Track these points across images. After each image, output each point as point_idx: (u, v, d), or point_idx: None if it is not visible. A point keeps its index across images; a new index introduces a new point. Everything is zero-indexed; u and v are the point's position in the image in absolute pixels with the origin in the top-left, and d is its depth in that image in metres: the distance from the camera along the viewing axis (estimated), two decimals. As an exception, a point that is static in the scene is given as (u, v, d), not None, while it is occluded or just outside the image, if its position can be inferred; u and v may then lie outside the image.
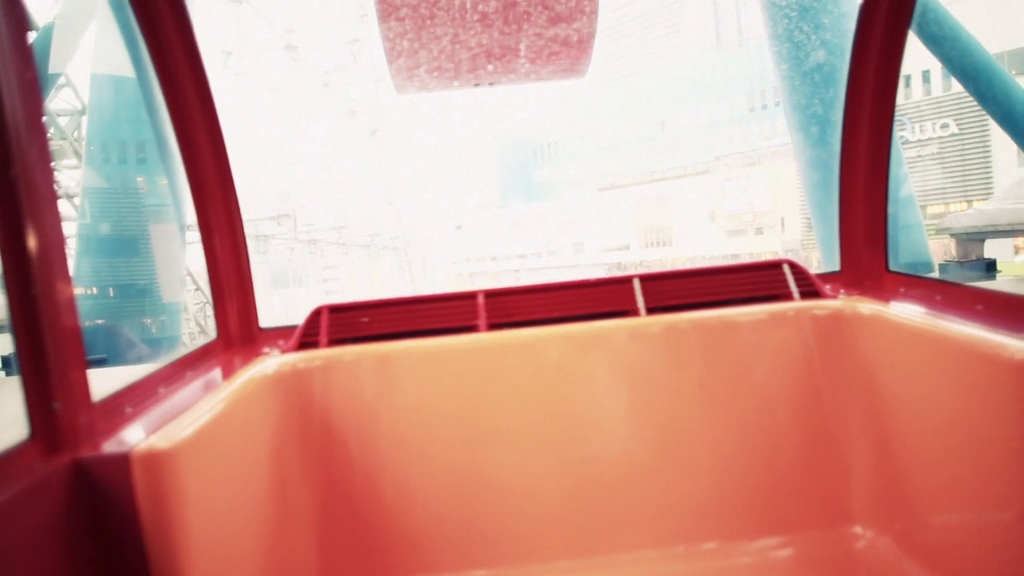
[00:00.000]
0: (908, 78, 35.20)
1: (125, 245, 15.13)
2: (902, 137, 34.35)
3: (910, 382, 1.75)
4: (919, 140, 34.21)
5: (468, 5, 1.87)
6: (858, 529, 1.98)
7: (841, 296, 2.09)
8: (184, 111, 1.97)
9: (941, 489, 1.63)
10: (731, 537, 2.03)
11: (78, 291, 15.23)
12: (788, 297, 2.12)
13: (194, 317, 20.92)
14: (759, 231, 46.07)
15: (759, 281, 2.16)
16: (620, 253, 54.00)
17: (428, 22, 1.91)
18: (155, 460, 1.24)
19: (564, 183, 66.50)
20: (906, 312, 1.80)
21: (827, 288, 2.15)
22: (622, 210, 55.15)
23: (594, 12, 1.96)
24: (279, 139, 40.43)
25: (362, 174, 43.99)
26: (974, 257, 16.52)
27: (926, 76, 33.95)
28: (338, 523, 1.98)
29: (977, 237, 17.28)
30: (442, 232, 64.17)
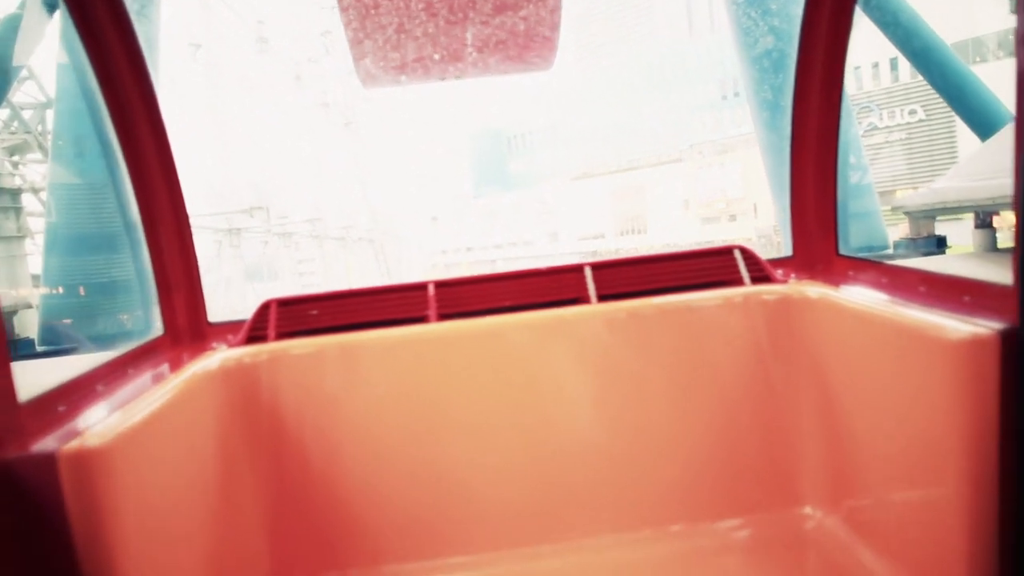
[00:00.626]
0: (876, 65, 35.78)
1: (97, 241, 14.98)
2: (871, 123, 34.91)
3: (856, 364, 1.78)
4: (887, 126, 34.73)
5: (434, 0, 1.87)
6: (808, 510, 2.02)
7: (791, 281, 2.11)
8: (122, 97, 1.91)
9: (885, 469, 1.68)
10: (695, 519, 2.06)
11: (46, 290, 15.20)
12: (739, 282, 2.14)
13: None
14: (732, 218, 46.48)
15: (710, 267, 2.18)
16: (596, 241, 54.19)
17: (391, 16, 1.91)
18: (84, 460, 1.20)
19: (538, 173, 66.51)
20: (852, 295, 1.83)
21: (779, 273, 2.18)
22: (597, 199, 55.32)
23: (557, 7, 1.97)
24: (252, 132, 39.98)
25: (336, 167, 43.65)
26: (926, 234, 17.38)
27: (894, 63, 34.45)
28: (290, 517, 1.96)
29: (928, 215, 18.05)
30: (418, 224, 63.95)
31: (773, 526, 2.03)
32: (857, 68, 34.38)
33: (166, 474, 1.47)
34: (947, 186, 17.45)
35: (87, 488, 1.20)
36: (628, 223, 54.43)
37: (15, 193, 21.91)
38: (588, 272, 2.15)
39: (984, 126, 18.54)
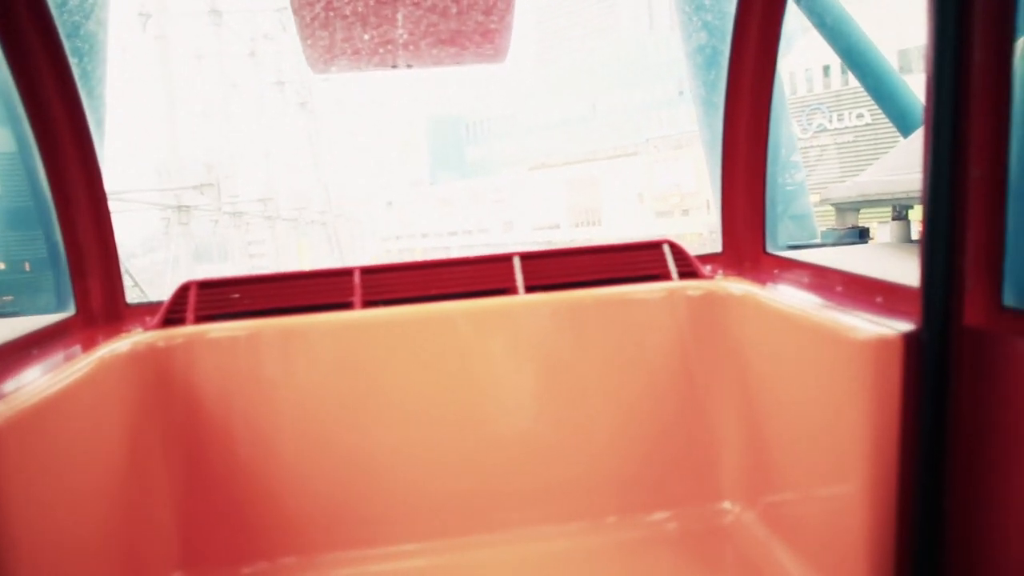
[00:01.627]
0: (827, 68, 36.75)
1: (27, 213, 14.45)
2: (820, 124, 35.84)
3: (774, 361, 1.81)
4: (835, 128, 35.66)
5: None
6: (727, 504, 2.05)
7: (718, 277, 2.13)
8: (27, 56, 1.80)
9: (798, 465, 1.72)
10: (628, 511, 2.07)
11: None
12: (667, 277, 2.15)
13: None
14: (685, 212, 47.22)
15: (639, 261, 2.18)
16: (550, 232, 54.48)
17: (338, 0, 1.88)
18: None
19: (496, 162, 66.50)
20: (774, 294, 1.86)
21: (707, 269, 2.19)
22: (553, 190, 55.56)
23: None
24: (203, 108, 39.02)
25: (290, 147, 42.95)
26: (850, 225, 18.87)
27: (844, 68, 35.39)
28: (203, 505, 1.91)
29: (853, 207, 19.45)
30: (372, 208, 63.32)
31: (697, 520, 2.05)
32: (808, 70, 35.24)
33: (64, 461, 1.41)
34: (869, 180, 18.95)
35: None
36: (583, 215, 54.84)
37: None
38: (517, 262, 2.13)
39: (906, 124, 20.16)
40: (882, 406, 1.38)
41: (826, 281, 1.87)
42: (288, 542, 1.95)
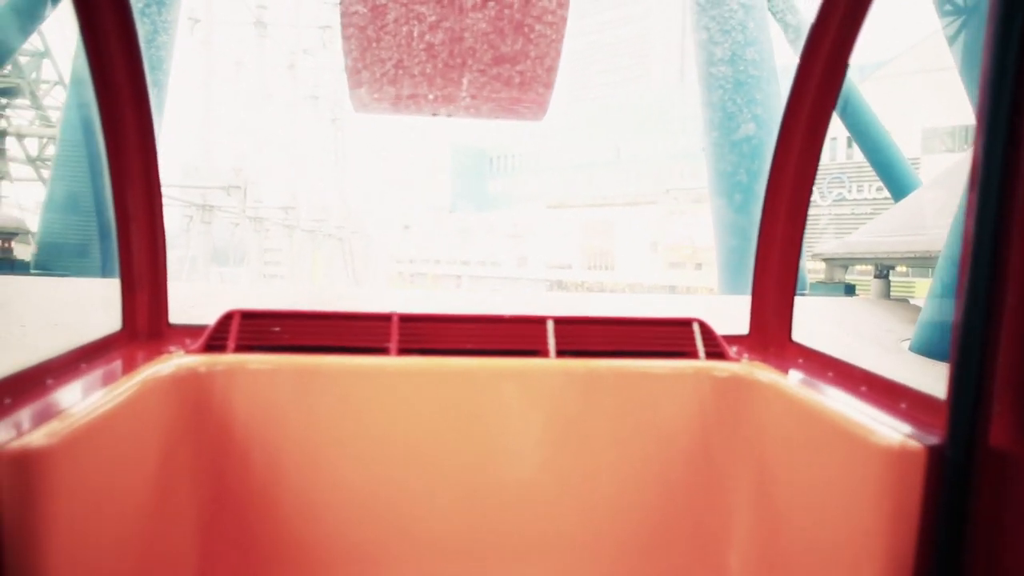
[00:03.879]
0: (850, 139, 37.49)
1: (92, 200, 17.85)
2: (839, 194, 36.30)
3: (793, 453, 1.83)
4: (854, 199, 36.02)
5: (437, 40, 1.91)
6: None
7: (744, 360, 2.17)
8: (113, 94, 1.91)
9: (809, 558, 1.72)
10: None
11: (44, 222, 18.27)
12: (694, 355, 2.19)
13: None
14: (698, 266, 47.43)
15: (668, 336, 2.23)
16: (563, 271, 54.77)
17: (391, 52, 1.94)
18: (26, 460, 1.17)
19: (516, 196, 67.12)
20: (797, 384, 1.89)
21: (732, 350, 2.24)
22: (569, 230, 55.97)
23: (554, 66, 2.04)
24: (238, 112, 39.75)
25: (316, 160, 43.59)
26: (837, 280, 20.56)
27: (868, 139, 35.86)
28: (224, 534, 1.94)
29: (841, 263, 21.00)
30: (389, 229, 63.88)
31: None
32: (833, 139, 35.71)
33: (105, 480, 1.44)
34: (858, 239, 20.66)
35: (25, 489, 1.17)
36: (596, 258, 55.18)
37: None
38: (550, 326, 2.18)
39: (899, 191, 22.09)
40: (900, 516, 1.39)
41: (850, 379, 1.88)
42: (295, 574, 1.99)
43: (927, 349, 11.78)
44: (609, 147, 63.02)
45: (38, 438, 1.20)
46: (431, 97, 2.14)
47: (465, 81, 2.05)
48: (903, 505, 1.39)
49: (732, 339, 2.33)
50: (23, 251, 20.04)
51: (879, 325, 14.71)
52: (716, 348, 2.22)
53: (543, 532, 2.09)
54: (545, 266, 56.29)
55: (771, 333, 2.30)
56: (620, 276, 51.78)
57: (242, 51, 40.14)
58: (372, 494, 2.02)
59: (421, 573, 2.03)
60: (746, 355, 2.23)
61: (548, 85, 2.10)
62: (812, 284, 20.98)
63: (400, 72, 2.01)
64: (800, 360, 2.16)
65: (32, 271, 17.80)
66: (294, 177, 40.78)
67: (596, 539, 2.11)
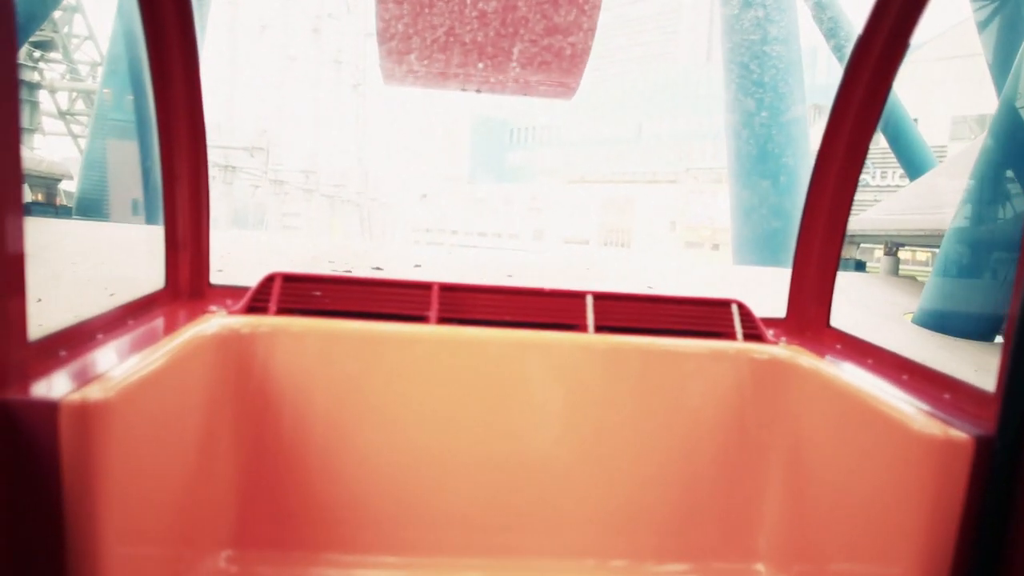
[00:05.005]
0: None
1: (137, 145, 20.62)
2: (863, 180, 36.02)
3: (831, 438, 1.82)
4: (878, 186, 35.68)
5: (468, 1, 1.91)
6: (760, 567, 2.06)
7: (781, 343, 2.17)
8: (165, 57, 1.97)
9: (842, 543, 1.72)
10: (640, 557, 2.09)
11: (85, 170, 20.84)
12: (731, 336, 2.19)
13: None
14: (716, 247, 47.29)
15: (707, 316, 2.23)
16: (579, 247, 54.74)
17: (426, 10, 1.94)
18: (85, 412, 1.21)
19: (535, 170, 66.91)
20: (838, 371, 1.87)
21: (769, 333, 2.23)
22: (587, 205, 55.89)
23: (591, 28, 2.03)
24: (261, 75, 39.76)
25: (337, 125, 43.60)
26: (848, 257, 21.22)
27: (895, 125, 35.43)
28: (259, 492, 1.98)
29: (852, 241, 21.66)
30: (407, 197, 63.95)
31: (723, 575, 2.08)
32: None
33: (154, 433, 1.49)
34: (870, 217, 21.22)
35: (84, 440, 1.21)
36: (613, 234, 55.12)
37: (32, 87, 22.24)
38: (589, 301, 2.19)
39: (914, 169, 22.30)
40: (941, 508, 1.37)
41: (891, 367, 1.86)
42: (322, 537, 2.02)
43: (928, 322, 12.38)
44: (631, 124, 62.54)
45: (96, 391, 1.24)
46: (462, 70, 2.14)
47: (504, 56, 2.05)
48: (945, 497, 1.37)
49: (768, 322, 2.33)
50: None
51: (885, 299, 15.19)
52: (754, 330, 2.21)
53: (569, 507, 2.10)
54: (562, 241, 56.27)
55: (809, 317, 2.30)
56: (636, 254, 51.69)
57: (267, 14, 39.99)
58: (407, 460, 2.05)
59: (452, 540, 2.05)
60: (783, 338, 2.22)
61: (580, 56, 2.10)
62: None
63: (432, 48, 2.02)
64: (837, 346, 2.15)
65: (74, 216, 20.02)
66: (315, 141, 40.85)
67: (628, 514, 2.11)
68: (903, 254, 22.68)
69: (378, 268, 15.86)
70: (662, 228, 51.65)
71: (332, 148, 42.52)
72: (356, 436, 2.02)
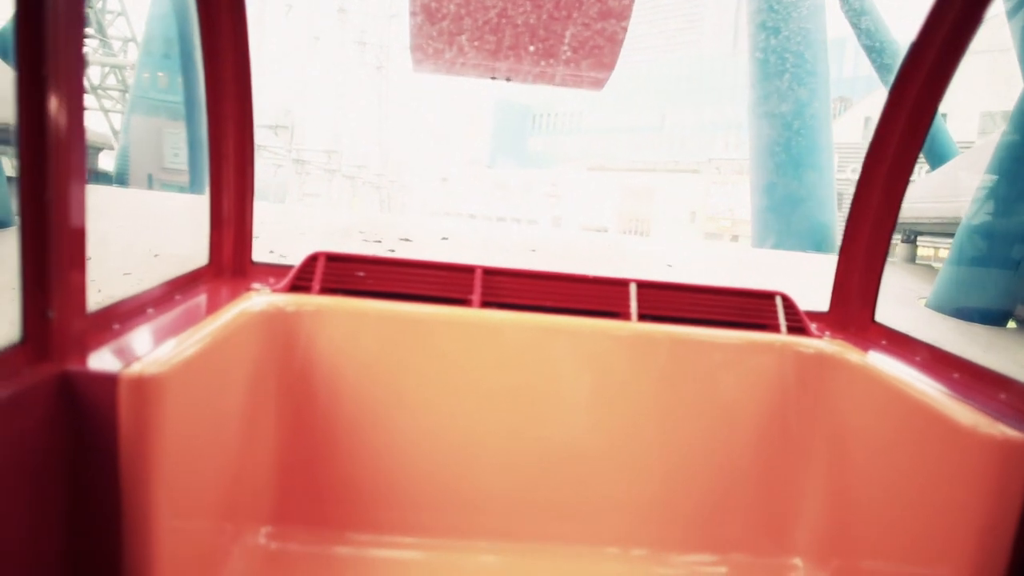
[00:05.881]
0: (867, 120, 38.56)
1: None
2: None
3: (878, 435, 1.79)
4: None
5: (507, 5, 1.92)
6: (797, 561, 2.04)
7: (826, 337, 2.14)
8: (216, 40, 2.02)
9: (885, 541, 1.70)
10: (661, 547, 2.09)
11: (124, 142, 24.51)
12: (775, 328, 2.17)
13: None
14: (735, 238, 47.04)
15: (750, 307, 2.21)
16: (598, 235, 54.67)
17: (464, 9, 1.95)
18: (142, 384, 1.23)
19: (556, 156, 66.80)
20: (887, 368, 1.84)
21: (813, 327, 2.21)
22: (607, 193, 55.75)
23: (622, 38, 2.05)
24: (286, 53, 39.92)
25: (361, 107, 43.74)
26: None
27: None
28: (297, 469, 2.01)
29: None
30: (427, 180, 64.07)
31: (754, 570, 2.07)
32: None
33: (202, 406, 1.51)
34: None
35: (141, 412, 1.23)
36: (632, 223, 54.97)
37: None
38: (633, 289, 2.17)
39: (937, 159, 23.54)
40: (999, 510, 1.35)
41: (942, 365, 1.83)
42: (355, 517, 2.04)
43: (941, 306, 12.87)
44: (654, 112, 62.19)
45: (152, 365, 1.27)
46: (493, 59, 2.15)
47: (522, 46, 2.07)
48: (1003, 500, 1.34)
49: (811, 315, 2.30)
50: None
51: (900, 284, 15.51)
52: (798, 323, 2.19)
53: (604, 494, 2.10)
54: (581, 227, 56.23)
55: (853, 312, 2.26)
56: (656, 243, 51.53)
57: (294, -8, 40.09)
58: (443, 442, 2.06)
59: (471, 523, 2.07)
60: (827, 333, 2.20)
61: (613, 50, 2.11)
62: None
63: (465, 39, 2.03)
64: (883, 341, 2.12)
65: (113, 183, 23.59)
66: (338, 122, 41.02)
67: (655, 504, 2.11)
68: (926, 250, 22.87)
69: (406, 239, 16.12)
70: (682, 218, 51.44)
71: (354, 129, 42.69)
72: (395, 417, 2.04)
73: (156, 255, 9.73)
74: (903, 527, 1.63)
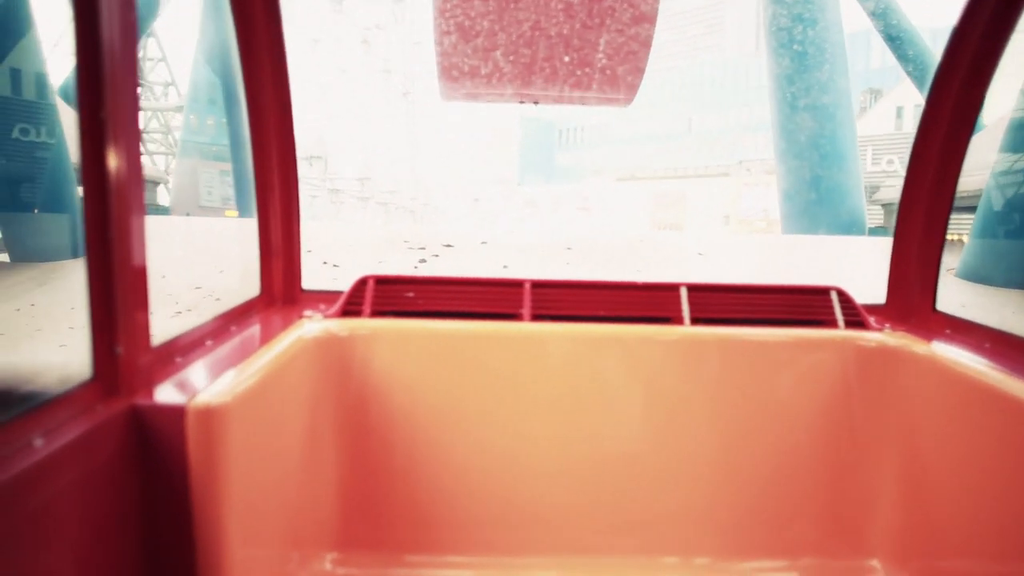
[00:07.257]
0: (900, 110, 38.50)
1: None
2: (890, 160, 36.06)
3: (952, 428, 1.73)
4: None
5: (533, 26, 1.95)
6: (875, 563, 1.99)
7: (886, 330, 2.07)
8: (257, 71, 2.05)
9: (969, 539, 1.64)
10: (724, 555, 2.05)
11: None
12: (832, 324, 2.11)
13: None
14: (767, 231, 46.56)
15: (805, 304, 2.15)
16: (627, 231, 54.45)
17: (490, 37, 1.97)
18: (209, 415, 1.26)
19: (584, 169, 66.85)
20: (957, 357, 1.78)
21: (871, 320, 2.14)
22: (637, 203, 55.65)
23: (646, 53, 2.07)
24: (314, 87, 40.91)
25: (389, 134, 44.51)
26: (893, 224, 23.60)
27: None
28: (359, 494, 2.01)
29: (891, 210, 23.69)
30: (460, 202, 64.63)
31: (828, 573, 2.02)
32: (917, 106, 34.62)
33: (266, 435, 1.53)
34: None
35: (209, 442, 1.25)
36: (665, 231, 54.72)
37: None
38: (684, 293, 2.13)
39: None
40: None
41: (1012, 350, 1.75)
42: (418, 538, 2.04)
43: (969, 275, 14.26)
44: (680, 118, 62.05)
45: (217, 396, 1.29)
46: (519, 85, 2.16)
47: (548, 70, 2.09)
48: None
49: (869, 308, 2.23)
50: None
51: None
52: (856, 317, 2.13)
53: (664, 503, 2.07)
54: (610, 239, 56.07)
55: (912, 302, 2.19)
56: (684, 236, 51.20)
57: (318, 28, 41.15)
58: (499, 458, 2.04)
59: (529, 540, 2.05)
60: (887, 325, 2.13)
61: (638, 67, 2.12)
62: (871, 228, 24.50)
63: (491, 67, 2.05)
64: (947, 331, 2.05)
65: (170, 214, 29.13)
66: (368, 150, 41.79)
67: (707, 511, 2.07)
68: (954, 237, 23.36)
69: (449, 244, 17.28)
70: (714, 222, 51.09)
71: (385, 155, 43.43)
72: (453, 435, 2.04)
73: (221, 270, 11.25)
74: (987, 523, 1.58)
